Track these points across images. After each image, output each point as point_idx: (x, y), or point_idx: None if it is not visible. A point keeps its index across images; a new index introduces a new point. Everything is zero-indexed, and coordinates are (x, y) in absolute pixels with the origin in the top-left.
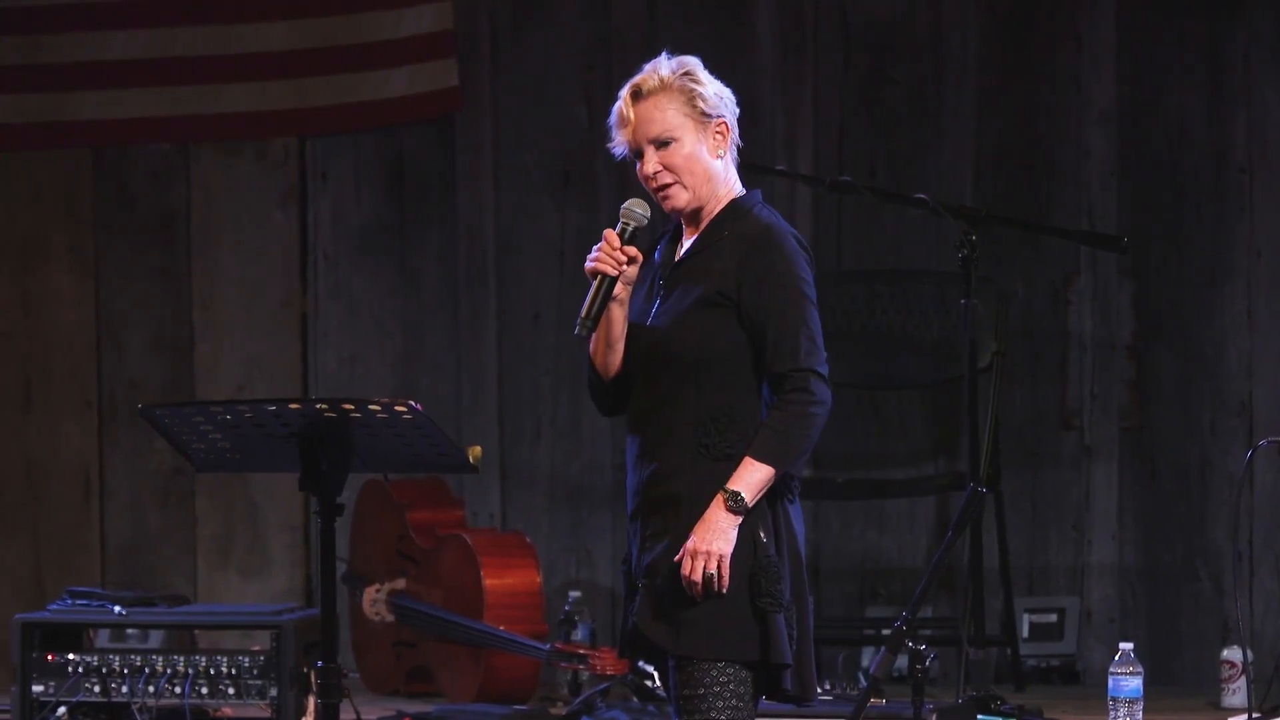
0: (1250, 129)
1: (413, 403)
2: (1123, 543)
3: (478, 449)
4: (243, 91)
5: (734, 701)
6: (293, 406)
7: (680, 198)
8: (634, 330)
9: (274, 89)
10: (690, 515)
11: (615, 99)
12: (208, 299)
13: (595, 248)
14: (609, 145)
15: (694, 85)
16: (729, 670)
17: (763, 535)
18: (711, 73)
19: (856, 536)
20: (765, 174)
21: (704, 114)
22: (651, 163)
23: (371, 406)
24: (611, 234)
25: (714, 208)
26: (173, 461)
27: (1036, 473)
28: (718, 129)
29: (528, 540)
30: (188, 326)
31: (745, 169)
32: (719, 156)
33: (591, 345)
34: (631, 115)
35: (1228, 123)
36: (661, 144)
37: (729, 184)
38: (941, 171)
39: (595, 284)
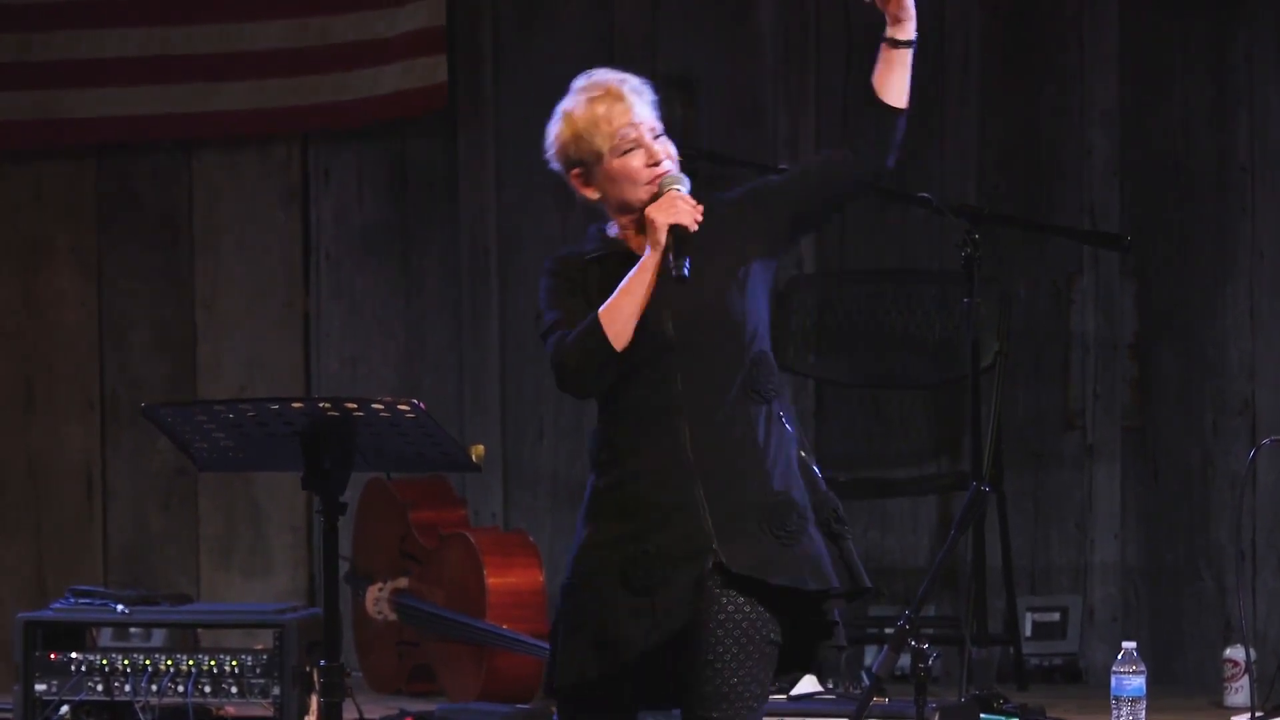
0: (1253, 128)
1: (416, 401)
2: (1125, 542)
3: (480, 448)
4: (242, 89)
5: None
6: (296, 405)
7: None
8: (657, 316)
9: (272, 86)
10: (765, 456)
11: (586, 101)
12: (210, 299)
13: (661, 205)
14: (610, 145)
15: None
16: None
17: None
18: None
19: (859, 536)
20: (768, 174)
21: None
22: (662, 150)
23: (374, 405)
24: (682, 194)
25: None
26: (175, 461)
27: (1039, 472)
28: None
29: (530, 539)
30: (190, 326)
31: (749, 169)
32: None
33: (615, 318)
34: (632, 105)
35: (1230, 122)
36: (657, 135)
37: None
38: (944, 171)
39: (671, 234)
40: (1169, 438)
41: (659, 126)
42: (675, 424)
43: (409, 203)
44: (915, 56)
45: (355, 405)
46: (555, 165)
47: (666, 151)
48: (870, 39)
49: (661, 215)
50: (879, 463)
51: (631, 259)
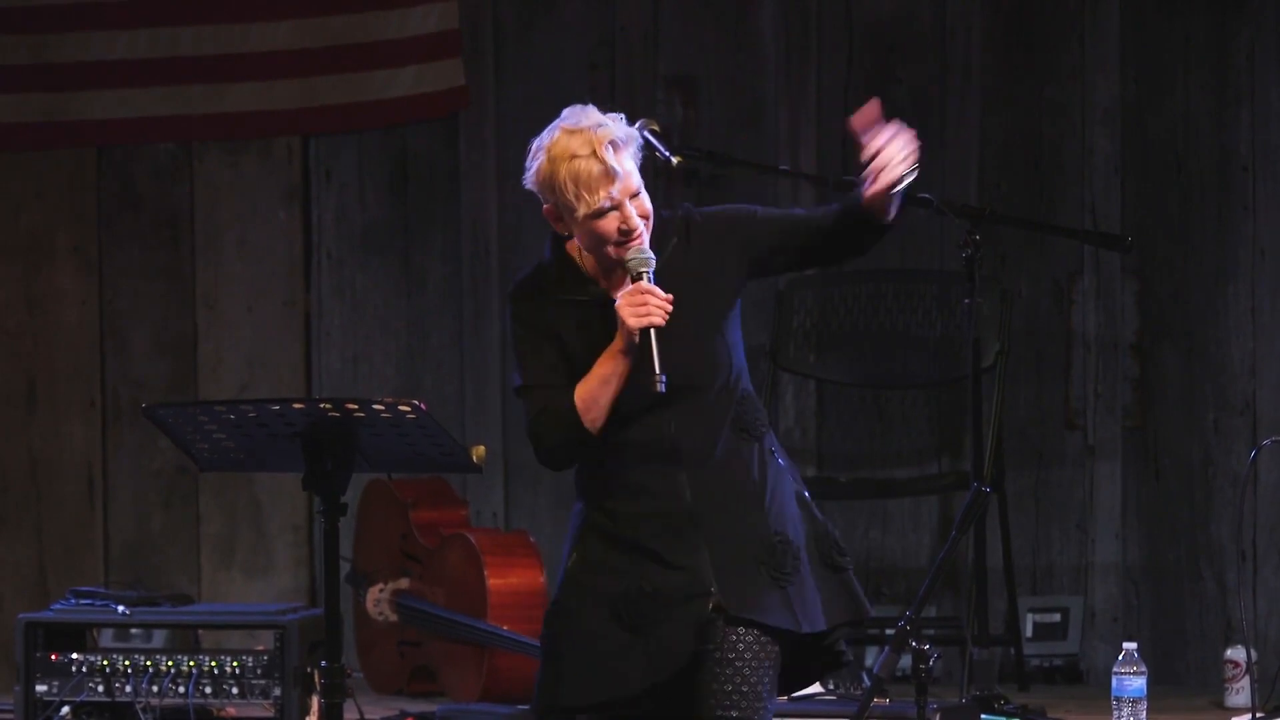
0: (1254, 128)
1: (417, 402)
2: (1126, 542)
3: (481, 449)
4: (249, 91)
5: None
6: (296, 406)
7: (644, 243)
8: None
9: (280, 88)
10: (762, 496)
11: (569, 157)
12: (211, 298)
13: (632, 304)
14: (587, 209)
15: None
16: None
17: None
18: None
19: (860, 536)
20: (769, 173)
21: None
22: (635, 215)
23: (375, 406)
24: (648, 285)
25: None
26: (176, 461)
27: (1040, 472)
28: None
29: (531, 540)
30: (191, 325)
31: (750, 169)
32: None
33: (591, 407)
34: (619, 167)
35: (1232, 121)
36: (634, 195)
37: None
38: (945, 170)
39: (644, 337)
40: (1170, 437)
41: (636, 183)
42: (672, 469)
43: (410, 201)
44: (918, 56)
45: (356, 406)
46: (529, 187)
47: (643, 211)
48: (871, 38)
49: (632, 318)
50: (880, 462)
51: (608, 307)
